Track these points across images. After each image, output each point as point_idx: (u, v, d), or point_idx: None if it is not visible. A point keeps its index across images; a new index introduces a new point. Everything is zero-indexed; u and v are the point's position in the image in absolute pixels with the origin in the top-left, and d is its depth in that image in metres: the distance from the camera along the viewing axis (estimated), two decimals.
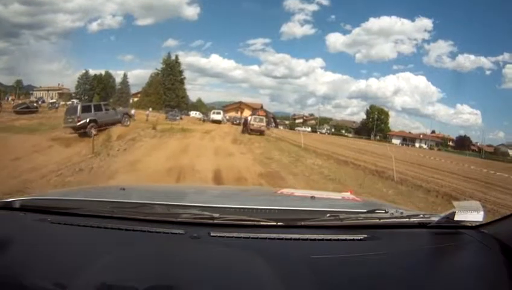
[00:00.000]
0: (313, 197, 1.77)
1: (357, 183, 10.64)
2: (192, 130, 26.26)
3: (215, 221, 1.31)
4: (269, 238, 1.24)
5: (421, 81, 58.85)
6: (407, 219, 1.39)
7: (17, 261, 1.11)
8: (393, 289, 1.04)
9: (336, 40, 60.17)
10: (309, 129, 61.91)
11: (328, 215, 1.36)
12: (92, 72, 60.91)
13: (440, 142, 59.63)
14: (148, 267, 1.08)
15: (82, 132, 18.58)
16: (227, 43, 79.33)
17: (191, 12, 59.60)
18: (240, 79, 69.98)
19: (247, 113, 56.18)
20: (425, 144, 58.04)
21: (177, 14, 67.37)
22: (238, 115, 54.88)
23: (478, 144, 58.30)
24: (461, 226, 1.37)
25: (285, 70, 64.44)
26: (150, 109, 41.45)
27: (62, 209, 1.46)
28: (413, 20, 55.47)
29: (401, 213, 1.41)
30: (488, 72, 54.72)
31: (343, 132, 63.54)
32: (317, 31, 60.54)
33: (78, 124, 18.40)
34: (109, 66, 63.98)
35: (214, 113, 45.72)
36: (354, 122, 65.52)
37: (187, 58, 63.24)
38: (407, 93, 59.80)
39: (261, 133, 29.87)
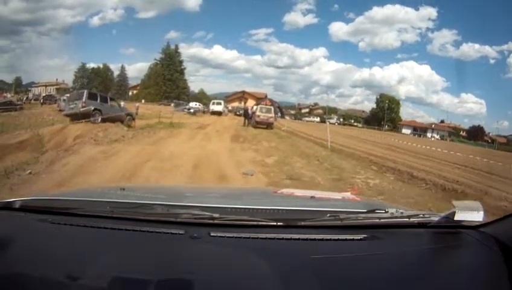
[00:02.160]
0: (313, 197, 1.74)
1: None
2: (183, 125, 19.86)
3: (215, 221, 1.25)
4: (269, 238, 1.19)
5: (425, 70, 58.48)
6: (407, 219, 1.32)
7: (17, 262, 1.06)
8: (393, 289, 1.00)
9: (339, 29, 60.15)
10: (317, 119, 57.20)
11: (328, 215, 1.29)
12: (92, 65, 59.05)
13: (453, 132, 56.09)
14: (148, 267, 1.04)
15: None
16: (229, 34, 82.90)
17: (193, 3, 60.85)
18: (243, 69, 71.64)
19: (251, 103, 53.65)
20: (437, 134, 55.14)
21: (178, 6, 68.27)
22: (242, 105, 50.27)
23: (490, 134, 55.16)
24: (461, 226, 1.29)
25: (289, 60, 64.28)
26: (143, 101, 36.08)
27: (62, 209, 1.39)
28: (417, 9, 55.38)
29: (401, 213, 1.34)
30: (492, 61, 53.80)
31: (352, 121, 60.12)
32: (320, 20, 61.40)
33: (82, 109, 15.86)
34: (111, 60, 65.86)
35: (213, 103, 38.57)
36: (363, 111, 63.93)
37: (189, 50, 62.98)
38: (411, 82, 59.23)
39: (268, 125, 23.38)
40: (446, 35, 55.48)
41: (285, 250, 1.13)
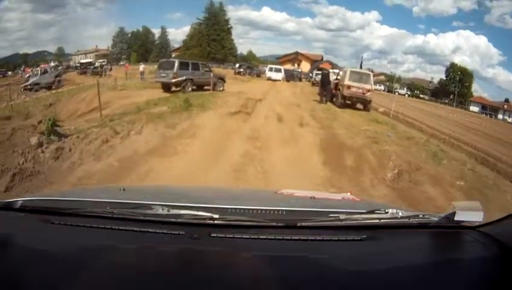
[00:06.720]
0: (313, 198, 1.64)
1: None
2: (214, 102, 10.20)
3: (216, 222, 1.20)
4: (269, 239, 1.14)
5: (481, 41, 49.04)
6: (407, 219, 1.27)
7: (17, 263, 1.03)
8: (393, 289, 0.97)
9: None
10: (382, 88, 47.75)
11: (328, 215, 1.24)
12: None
13: None
14: (148, 268, 1.01)
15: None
16: None
17: None
18: (293, 32, 63.97)
19: (305, 66, 44.72)
20: (509, 117, 43.39)
21: None
22: (296, 67, 41.80)
23: None
24: (461, 226, 1.24)
25: (340, 22, 54.93)
26: (141, 64, 27.60)
27: (62, 209, 1.33)
28: None
29: (401, 214, 1.28)
30: None
31: (418, 92, 50.36)
32: None
33: (174, 80, 14.85)
34: (157, 25, 56.32)
35: (271, 70, 28.87)
36: (430, 82, 52.56)
37: (237, 12, 54.93)
38: (466, 53, 49.41)
39: (362, 104, 13.01)
40: (505, 5, 45.41)
41: (285, 251, 1.10)
